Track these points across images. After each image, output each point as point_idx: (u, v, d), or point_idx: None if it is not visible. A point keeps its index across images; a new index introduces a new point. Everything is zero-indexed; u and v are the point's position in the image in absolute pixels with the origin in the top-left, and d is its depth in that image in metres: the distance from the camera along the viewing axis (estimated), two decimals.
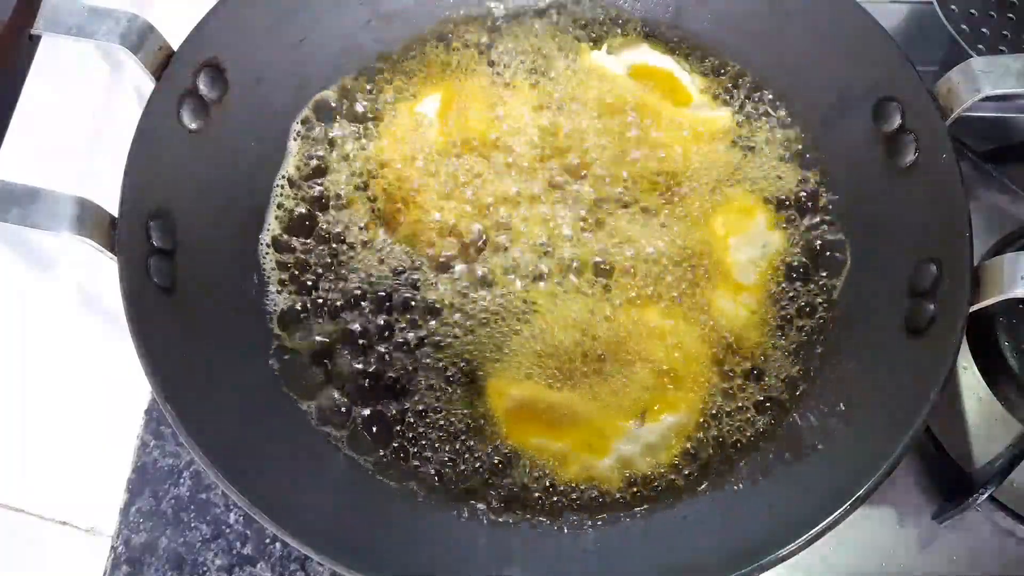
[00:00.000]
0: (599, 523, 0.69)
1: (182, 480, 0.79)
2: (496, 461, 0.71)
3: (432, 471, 0.71)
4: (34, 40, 0.73)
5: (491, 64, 0.87)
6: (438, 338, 0.75)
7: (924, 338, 0.66)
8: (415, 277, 0.78)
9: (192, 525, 0.78)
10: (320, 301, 0.77)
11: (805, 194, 0.81)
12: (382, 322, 0.76)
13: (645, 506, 0.70)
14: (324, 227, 0.80)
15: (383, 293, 0.77)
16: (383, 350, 0.75)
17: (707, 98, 0.86)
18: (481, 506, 0.70)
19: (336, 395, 0.73)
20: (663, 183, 0.81)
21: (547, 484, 0.71)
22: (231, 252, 0.77)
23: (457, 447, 0.72)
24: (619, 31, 0.89)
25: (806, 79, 0.82)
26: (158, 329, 0.65)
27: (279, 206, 0.80)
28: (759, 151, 0.83)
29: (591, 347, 0.75)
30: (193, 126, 0.74)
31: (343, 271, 0.78)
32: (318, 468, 0.70)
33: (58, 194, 0.64)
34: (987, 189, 0.87)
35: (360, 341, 0.75)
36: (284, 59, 0.82)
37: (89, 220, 0.64)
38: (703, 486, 0.70)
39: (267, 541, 0.77)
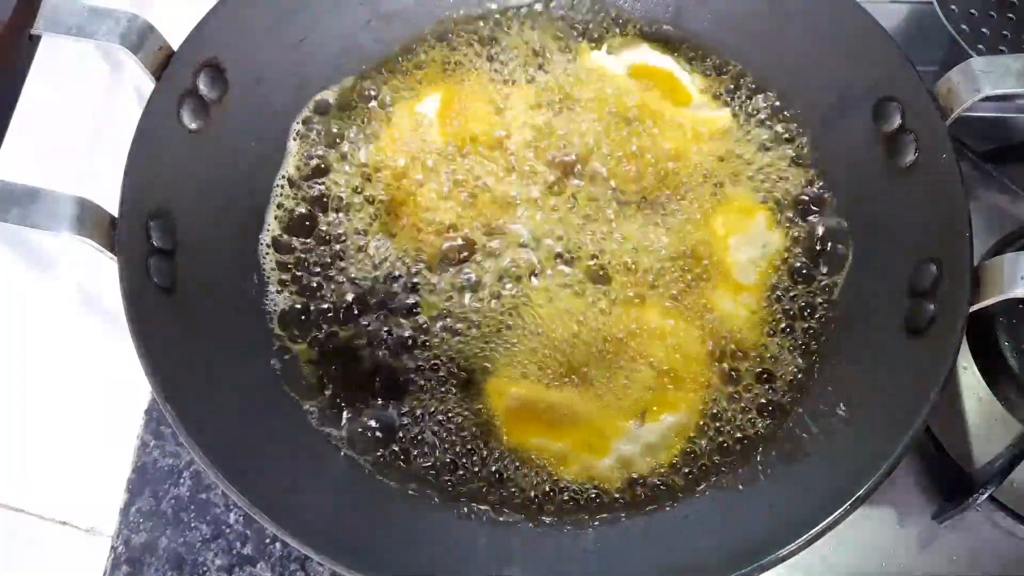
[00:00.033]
0: (599, 523, 0.69)
1: (182, 480, 0.79)
2: (496, 461, 0.71)
3: (432, 471, 0.71)
4: (34, 40, 0.73)
5: (491, 64, 0.87)
6: (438, 338, 0.75)
7: (924, 338, 0.66)
8: (415, 277, 0.78)
9: (192, 525, 0.78)
10: (320, 301, 0.77)
11: (805, 194, 0.81)
12: (382, 322, 0.76)
13: (645, 506, 0.70)
14: (324, 227, 0.80)
15: (383, 293, 0.77)
16: (383, 350, 0.75)
17: (707, 98, 0.86)
18: (481, 506, 0.70)
19: (336, 395, 0.73)
20: (663, 183, 0.81)
21: (547, 484, 0.71)
22: (231, 252, 0.77)
23: (457, 447, 0.72)
24: (619, 31, 0.89)
25: (806, 79, 0.82)
26: (158, 329, 0.65)
27: (279, 206, 0.80)
28: (759, 151, 0.83)
29: (591, 347, 0.75)
30: (193, 126, 0.74)
31: (343, 271, 0.78)
32: (318, 468, 0.70)
33: (58, 194, 0.64)
34: (987, 189, 0.87)
35: (360, 341, 0.75)
36: (284, 59, 0.82)
37: (89, 220, 0.64)
38: (703, 486, 0.70)
39: (267, 541, 0.77)
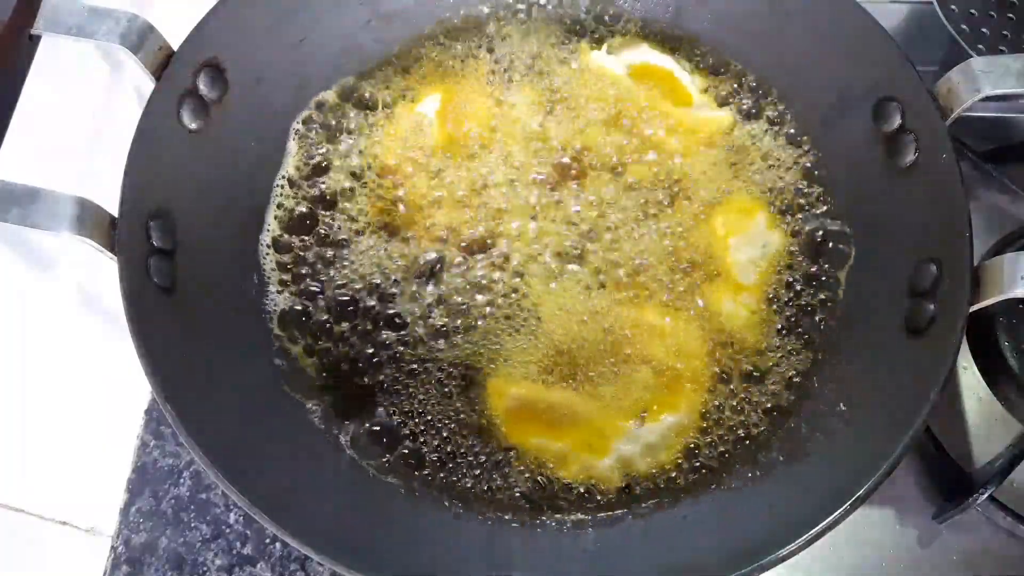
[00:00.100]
0: (599, 523, 0.69)
1: (182, 480, 0.79)
2: (496, 461, 0.71)
3: (433, 471, 0.71)
4: (34, 40, 0.73)
5: (491, 64, 0.87)
6: (438, 338, 0.75)
7: (924, 338, 0.66)
8: (415, 277, 0.78)
9: (192, 525, 0.78)
10: (320, 301, 0.77)
11: (805, 194, 0.81)
12: (382, 322, 0.76)
13: (645, 506, 0.70)
14: (324, 227, 0.80)
15: (383, 293, 0.77)
16: (383, 350, 0.75)
17: (707, 98, 0.86)
18: (481, 506, 0.70)
19: (337, 395, 0.73)
20: (663, 183, 0.81)
21: (547, 484, 0.71)
22: (231, 252, 0.77)
23: (457, 447, 0.72)
24: (619, 31, 0.89)
25: (806, 79, 0.82)
26: (158, 329, 0.65)
27: (279, 206, 0.80)
28: (759, 151, 0.83)
29: (591, 347, 0.75)
30: (193, 126, 0.74)
31: (343, 271, 0.78)
32: (318, 468, 0.70)
33: (58, 194, 0.64)
34: (987, 189, 0.87)
35: (360, 341, 0.75)
36: (284, 59, 0.82)
37: (89, 220, 0.65)
38: (703, 486, 0.70)
39: (267, 541, 0.77)
